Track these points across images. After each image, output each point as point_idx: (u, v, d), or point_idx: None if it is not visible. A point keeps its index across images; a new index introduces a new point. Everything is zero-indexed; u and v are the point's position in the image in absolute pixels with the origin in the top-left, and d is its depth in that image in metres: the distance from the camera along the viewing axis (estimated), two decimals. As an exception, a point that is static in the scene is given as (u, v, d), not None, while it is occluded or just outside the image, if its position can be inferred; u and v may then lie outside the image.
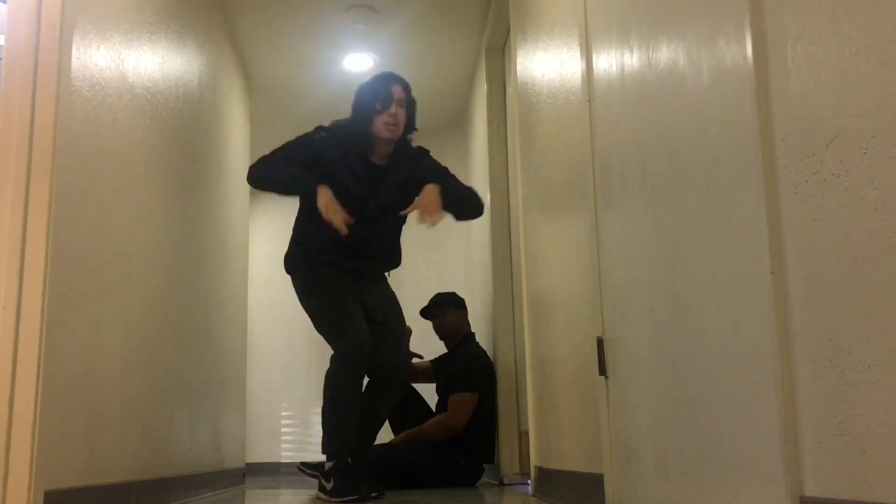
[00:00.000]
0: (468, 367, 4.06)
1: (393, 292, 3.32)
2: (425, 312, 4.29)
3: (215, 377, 3.87)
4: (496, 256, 4.19)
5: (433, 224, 3.04)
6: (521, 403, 3.82)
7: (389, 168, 3.21)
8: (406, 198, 3.12)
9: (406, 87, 3.21)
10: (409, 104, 3.22)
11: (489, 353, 4.19)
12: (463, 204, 3.20)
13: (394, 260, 3.33)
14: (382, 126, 3.13)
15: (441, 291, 4.42)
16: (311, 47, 4.74)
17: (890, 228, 0.84)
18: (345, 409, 3.00)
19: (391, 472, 3.73)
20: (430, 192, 3.06)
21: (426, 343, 4.37)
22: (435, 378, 4.27)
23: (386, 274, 3.34)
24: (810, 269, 1.00)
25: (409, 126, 3.23)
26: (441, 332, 4.28)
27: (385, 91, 3.15)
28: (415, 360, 4.32)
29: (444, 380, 4.13)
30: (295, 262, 3.20)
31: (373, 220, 3.15)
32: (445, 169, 3.29)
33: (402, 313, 3.31)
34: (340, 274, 3.14)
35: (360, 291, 3.17)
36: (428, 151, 3.34)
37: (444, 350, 4.31)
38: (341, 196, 3.06)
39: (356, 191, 3.12)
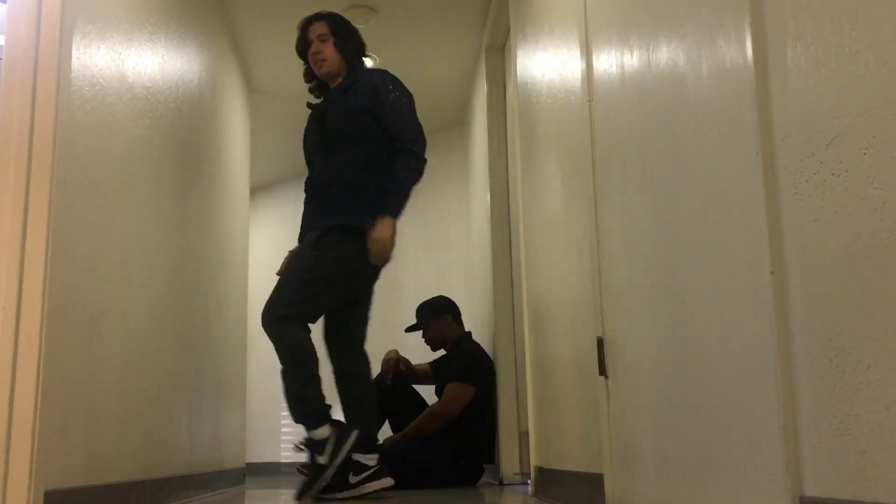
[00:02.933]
0: (464, 362, 4.07)
1: (305, 246, 3.00)
2: (410, 329, 4.31)
3: (215, 377, 3.87)
4: (496, 256, 4.19)
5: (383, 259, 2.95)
6: (521, 403, 3.82)
7: (337, 97, 3.13)
8: (350, 126, 3.03)
9: (328, 19, 3.20)
10: (338, 33, 3.17)
11: (489, 353, 4.19)
12: (398, 195, 2.98)
13: (341, 203, 2.97)
14: (314, 66, 3.18)
15: (423, 301, 4.37)
16: (311, 47, 4.72)
17: (890, 228, 0.84)
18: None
19: (391, 473, 3.72)
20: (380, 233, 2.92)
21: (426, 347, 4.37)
22: (435, 380, 4.27)
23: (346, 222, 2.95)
24: (810, 269, 1.00)
25: (347, 53, 3.17)
26: (430, 345, 4.29)
27: (302, 36, 3.23)
28: (416, 363, 4.34)
29: (442, 379, 4.13)
30: None
31: (325, 153, 3.06)
32: (392, 103, 3.05)
33: (300, 270, 2.97)
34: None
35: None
36: (383, 76, 3.15)
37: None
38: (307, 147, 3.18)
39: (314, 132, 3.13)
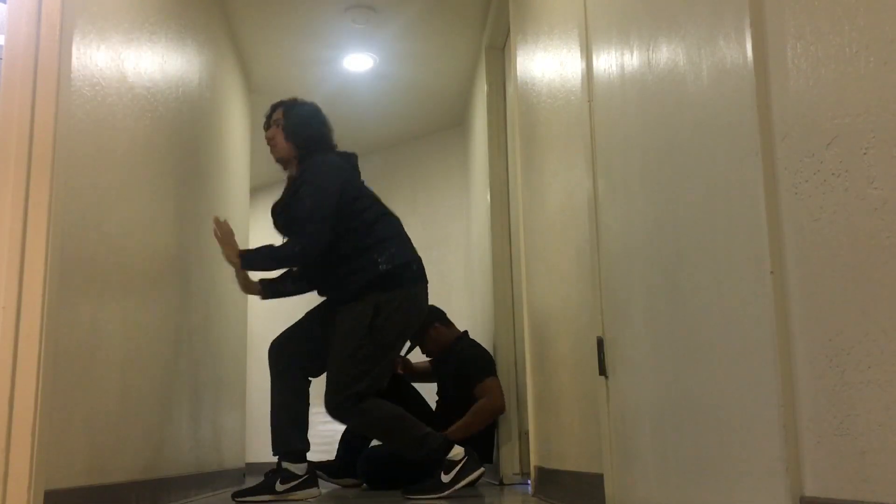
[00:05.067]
0: (477, 358, 4.03)
1: (353, 318, 3.03)
2: (408, 352, 4.22)
3: (215, 377, 3.87)
4: (496, 256, 4.19)
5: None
6: (521, 403, 3.82)
7: (289, 198, 3.16)
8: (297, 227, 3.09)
9: (281, 107, 3.24)
10: (289, 124, 3.18)
11: (489, 354, 4.18)
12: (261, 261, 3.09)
13: (325, 282, 3.15)
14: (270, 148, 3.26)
15: None
16: (310, 47, 4.73)
17: (890, 228, 0.84)
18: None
19: (391, 473, 3.73)
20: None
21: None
22: (436, 377, 4.24)
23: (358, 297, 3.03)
24: (810, 269, 1.00)
25: (295, 140, 3.18)
26: (431, 357, 4.23)
27: (266, 117, 3.28)
28: (416, 361, 4.32)
29: (451, 379, 4.09)
30: None
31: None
32: (309, 182, 3.05)
33: (346, 338, 3.01)
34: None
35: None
36: (310, 170, 3.10)
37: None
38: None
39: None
